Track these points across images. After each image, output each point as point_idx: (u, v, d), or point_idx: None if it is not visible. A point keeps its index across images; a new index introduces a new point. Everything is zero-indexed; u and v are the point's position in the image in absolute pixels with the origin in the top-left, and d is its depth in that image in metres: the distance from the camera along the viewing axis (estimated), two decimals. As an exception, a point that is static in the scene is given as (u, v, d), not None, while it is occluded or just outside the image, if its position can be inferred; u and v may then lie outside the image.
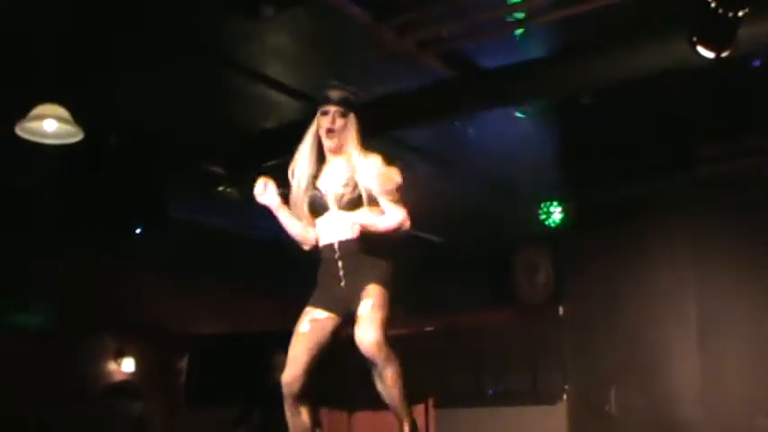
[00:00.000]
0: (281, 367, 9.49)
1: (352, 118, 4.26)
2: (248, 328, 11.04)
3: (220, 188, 8.34)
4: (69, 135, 6.47)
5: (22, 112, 6.25)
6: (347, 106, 4.25)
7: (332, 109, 4.23)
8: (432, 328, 10.71)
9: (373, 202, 4.11)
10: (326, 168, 4.28)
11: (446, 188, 9.15)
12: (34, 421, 9.06)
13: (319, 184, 4.25)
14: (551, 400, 9.71)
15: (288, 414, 4.13)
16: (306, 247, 4.37)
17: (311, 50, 6.66)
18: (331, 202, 4.15)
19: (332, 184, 4.19)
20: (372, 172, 4.11)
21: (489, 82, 6.94)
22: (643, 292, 8.68)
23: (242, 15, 5.76)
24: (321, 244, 4.24)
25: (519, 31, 6.20)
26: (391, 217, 4.10)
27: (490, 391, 10.32)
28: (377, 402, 4.10)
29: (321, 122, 4.26)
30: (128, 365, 10.95)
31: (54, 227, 8.70)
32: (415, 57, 6.48)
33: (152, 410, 10.81)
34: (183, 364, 11.29)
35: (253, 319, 11.33)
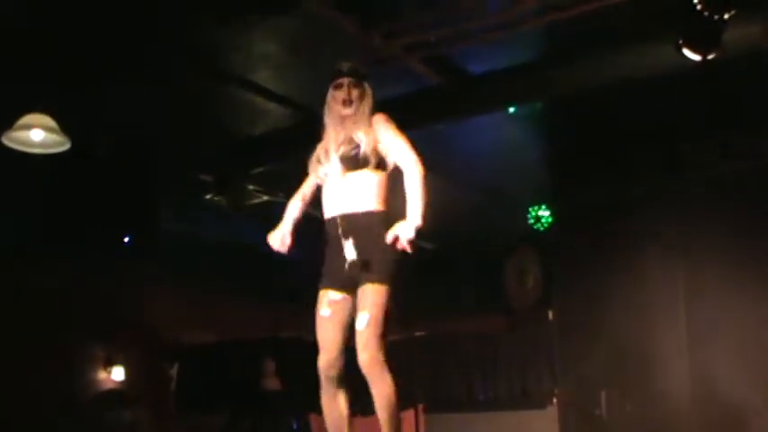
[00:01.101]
0: (267, 374, 9.44)
1: (366, 87, 4.23)
2: (239, 336, 11.02)
3: (208, 196, 8.33)
4: (56, 144, 6.46)
5: (9, 121, 6.23)
6: (359, 77, 4.22)
7: (345, 81, 4.18)
8: (421, 333, 10.70)
9: (379, 161, 4.09)
10: (338, 137, 4.20)
11: (434, 193, 9.15)
12: (24, 429, 9.02)
13: (331, 153, 4.19)
14: (541, 404, 9.69)
15: (325, 400, 4.10)
16: None
17: (298, 58, 6.66)
18: (336, 163, 4.10)
19: (339, 146, 4.14)
20: (380, 124, 4.13)
21: (477, 87, 6.96)
22: (633, 296, 8.68)
23: (229, 23, 5.76)
24: (325, 217, 4.16)
25: None
26: (410, 167, 4.06)
27: (480, 397, 10.31)
28: (371, 407, 4.08)
29: (336, 95, 4.19)
30: (118, 373, 10.92)
31: (44, 235, 8.68)
32: (402, 63, 6.49)
33: (143, 418, 10.77)
34: (174, 371, 11.27)
35: (243, 326, 11.32)
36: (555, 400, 9.47)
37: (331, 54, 6.36)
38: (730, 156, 8.17)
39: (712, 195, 8.27)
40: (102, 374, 10.83)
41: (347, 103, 4.15)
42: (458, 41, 6.29)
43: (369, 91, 4.23)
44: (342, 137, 4.15)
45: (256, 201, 8.68)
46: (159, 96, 6.95)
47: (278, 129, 7.74)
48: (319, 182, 4.23)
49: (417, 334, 10.67)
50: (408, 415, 9.41)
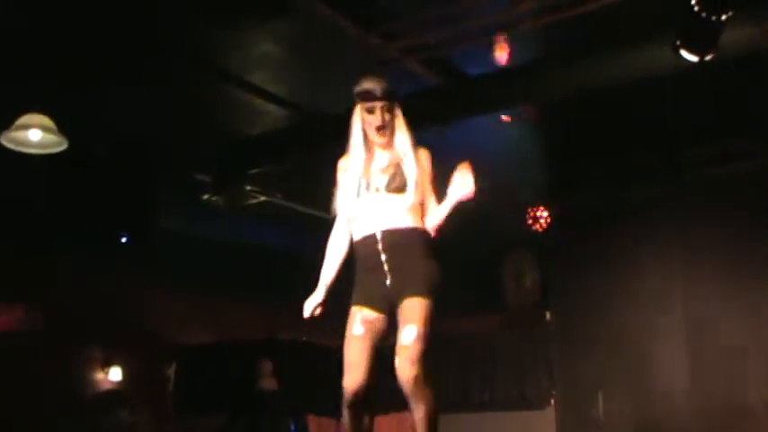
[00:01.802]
0: (265, 375, 9.40)
1: (398, 110, 4.06)
2: (237, 337, 11.01)
3: (206, 197, 8.32)
4: (54, 145, 6.46)
5: (7, 121, 6.23)
6: (392, 99, 4.03)
7: (378, 105, 3.98)
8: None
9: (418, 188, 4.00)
10: (373, 161, 4.06)
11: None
12: (22, 430, 9.00)
13: (365, 175, 4.02)
14: (539, 405, 9.72)
15: (348, 422, 3.89)
16: None
17: (297, 59, 6.67)
18: (380, 186, 3.95)
19: (378, 170, 4.01)
20: (424, 164, 4.07)
21: (475, 88, 6.96)
22: (630, 297, 8.70)
23: (227, 24, 5.76)
24: (358, 237, 4.00)
25: None
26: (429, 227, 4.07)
27: (478, 398, 10.31)
28: (395, 405, 4.02)
29: (368, 120, 4.01)
30: (115, 374, 10.90)
31: (40, 235, 8.67)
32: (400, 64, 6.49)
33: (141, 419, 10.75)
34: (172, 372, 11.24)
35: (240, 327, 11.30)
36: (552, 401, 9.49)
37: (329, 55, 6.43)
38: (729, 159, 8.19)
39: (710, 198, 8.29)
40: (99, 375, 10.82)
41: (381, 130, 4.00)
42: (456, 43, 6.29)
43: (400, 114, 4.07)
44: (383, 162, 4.03)
45: (254, 201, 8.67)
46: (157, 97, 6.95)
47: (276, 129, 7.74)
48: (350, 218, 4.07)
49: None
50: (406, 417, 9.40)
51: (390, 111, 4.02)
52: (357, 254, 4.02)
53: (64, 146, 6.48)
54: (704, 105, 7.32)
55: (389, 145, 4.06)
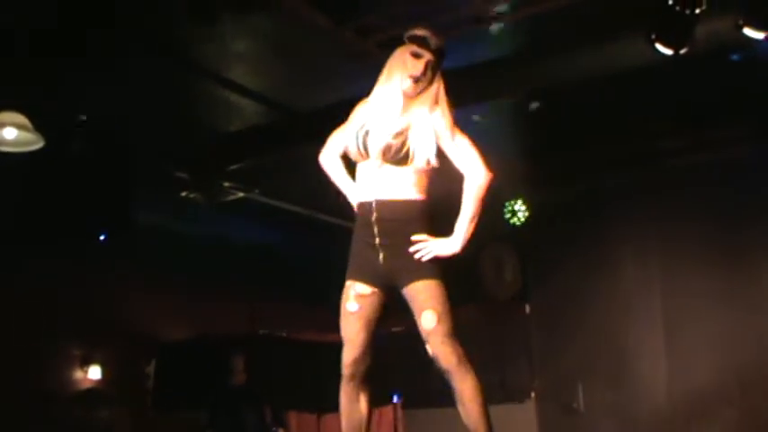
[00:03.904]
0: (237, 371, 9.40)
1: (440, 76, 3.80)
2: (216, 332, 11.00)
3: (184, 193, 8.30)
4: (30, 143, 6.41)
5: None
6: (441, 58, 3.78)
7: (426, 55, 3.71)
8: (398, 329, 10.70)
9: (421, 160, 3.69)
10: (387, 116, 3.74)
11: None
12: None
13: (369, 124, 3.75)
14: (519, 397, 9.73)
15: (345, 401, 3.82)
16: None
17: (273, 54, 6.66)
18: (375, 151, 3.69)
19: (382, 130, 3.70)
20: (440, 121, 3.74)
21: (451, 82, 6.95)
22: (609, 288, 8.74)
23: (202, 19, 5.75)
24: (359, 200, 3.79)
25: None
26: (476, 173, 3.91)
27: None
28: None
29: (409, 63, 3.71)
30: (95, 373, 10.86)
31: (18, 232, 8.63)
32: (375, 59, 6.48)
33: (121, 417, 10.73)
34: (151, 369, 11.22)
35: (221, 323, 11.29)
36: (533, 393, 9.51)
37: (305, 50, 6.43)
38: (704, 148, 8.23)
39: (687, 188, 8.33)
40: (78, 374, 10.78)
41: (416, 79, 3.70)
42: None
43: (442, 83, 3.82)
44: (395, 125, 3.70)
45: (232, 197, 8.67)
46: (134, 93, 6.92)
47: (253, 125, 7.73)
48: (351, 156, 3.81)
49: (394, 329, 10.66)
50: (387, 411, 9.41)
51: (434, 69, 3.76)
52: (356, 219, 3.83)
53: (40, 144, 6.43)
54: (678, 95, 7.36)
55: (412, 103, 3.75)
